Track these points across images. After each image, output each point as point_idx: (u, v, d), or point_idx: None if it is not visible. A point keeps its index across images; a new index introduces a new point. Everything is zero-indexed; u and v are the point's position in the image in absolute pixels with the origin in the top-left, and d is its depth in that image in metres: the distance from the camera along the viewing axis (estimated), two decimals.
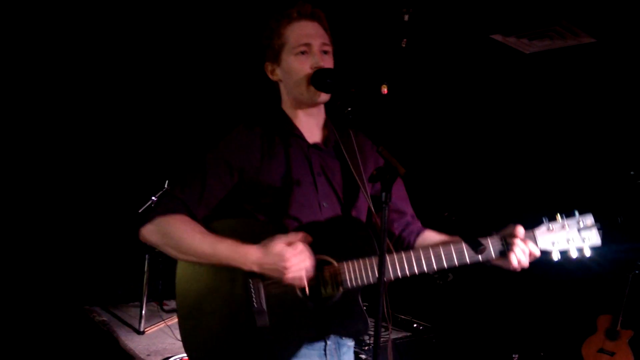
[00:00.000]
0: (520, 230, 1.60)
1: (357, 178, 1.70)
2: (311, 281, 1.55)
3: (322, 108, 1.76)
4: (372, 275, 1.57)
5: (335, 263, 1.58)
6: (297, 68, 1.64)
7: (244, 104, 3.96)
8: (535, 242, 1.60)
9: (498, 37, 3.79)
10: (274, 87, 1.79)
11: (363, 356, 3.37)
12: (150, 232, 1.62)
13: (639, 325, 3.65)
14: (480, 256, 1.57)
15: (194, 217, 1.61)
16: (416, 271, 1.57)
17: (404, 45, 3.71)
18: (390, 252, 1.59)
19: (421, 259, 1.57)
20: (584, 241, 1.60)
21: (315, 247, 1.57)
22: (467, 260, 1.58)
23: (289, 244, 1.52)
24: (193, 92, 4.33)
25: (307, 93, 1.64)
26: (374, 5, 3.06)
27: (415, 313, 4.36)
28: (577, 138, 4.14)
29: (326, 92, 1.59)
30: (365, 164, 1.77)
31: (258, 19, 1.90)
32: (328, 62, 1.65)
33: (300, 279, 1.51)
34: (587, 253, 1.60)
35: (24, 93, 3.71)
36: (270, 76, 1.75)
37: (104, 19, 3.67)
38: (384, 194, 1.24)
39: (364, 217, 1.77)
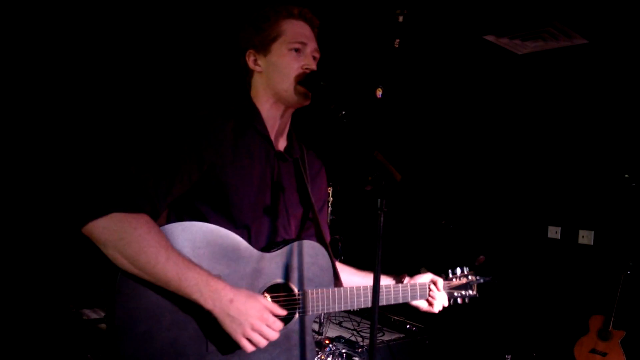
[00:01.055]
0: (440, 282, 1.93)
1: (312, 198, 1.67)
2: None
3: (291, 113, 1.69)
4: (331, 305, 1.60)
5: (295, 290, 1.55)
6: (288, 63, 1.57)
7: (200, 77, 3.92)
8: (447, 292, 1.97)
9: (491, 38, 3.78)
10: (244, 76, 1.69)
11: (356, 358, 3.37)
12: (102, 230, 1.31)
13: (631, 326, 3.66)
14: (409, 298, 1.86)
15: (156, 215, 1.40)
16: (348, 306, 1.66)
17: (396, 46, 3.70)
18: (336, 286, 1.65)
19: (353, 296, 1.67)
20: (468, 294, 2.05)
21: (271, 268, 1.50)
22: (400, 301, 1.82)
23: (272, 311, 1.42)
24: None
25: (291, 91, 1.57)
26: (368, 6, 3.04)
27: (407, 314, 4.35)
28: (571, 140, 4.15)
29: (317, 94, 1.54)
30: (313, 183, 1.75)
31: None
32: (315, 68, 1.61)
33: (252, 345, 1.39)
34: (466, 301, 2.06)
35: (12, 92, 3.65)
36: (250, 65, 1.63)
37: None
38: (379, 200, 1.21)
39: (313, 239, 1.71)
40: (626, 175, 3.02)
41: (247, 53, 1.64)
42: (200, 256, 1.41)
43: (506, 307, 4.32)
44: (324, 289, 1.59)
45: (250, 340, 1.38)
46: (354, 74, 3.10)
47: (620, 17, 3.32)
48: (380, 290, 1.66)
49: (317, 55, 1.64)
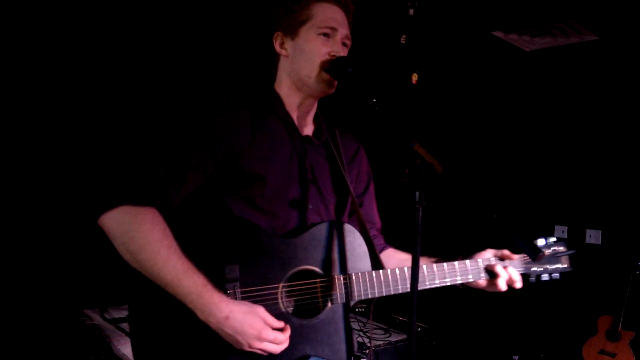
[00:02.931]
0: (509, 254, 1.66)
1: (347, 181, 1.58)
2: (297, 294, 1.41)
3: (315, 102, 1.63)
4: (369, 290, 1.47)
5: (324, 275, 1.45)
6: (315, 48, 1.50)
7: (227, 74, 3.77)
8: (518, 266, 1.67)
9: (499, 34, 3.72)
10: (271, 61, 1.62)
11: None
12: (112, 222, 1.31)
13: None
14: (469, 277, 1.60)
15: (168, 208, 1.37)
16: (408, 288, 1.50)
17: (403, 42, 3.63)
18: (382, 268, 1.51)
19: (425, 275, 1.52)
20: (556, 266, 1.73)
21: (300, 255, 1.42)
22: (458, 280, 1.59)
23: (273, 327, 1.34)
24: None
25: (316, 78, 1.51)
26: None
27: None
28: (578, 138, 4.10)
29: (345, 82, 1.46)
30: (350, 166, 1.67)
31: None
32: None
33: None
34: (557, 276, 1.75)
35: (23, 85, 3.55)
36: (277, 48, 1.58)
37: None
38: (417, 193, 1.13)
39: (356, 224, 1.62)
40: None
41: (275, 35, 1.58)
42: (214, 249, 1.36)
43: (513, 307, 4.26)
44: (359, 273, 1.48)
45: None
46: (384, 60, 3.01)
47: (631, 12, 3.27)
48: (423, 270, 1.52)
49: (349, 42, 1.57)
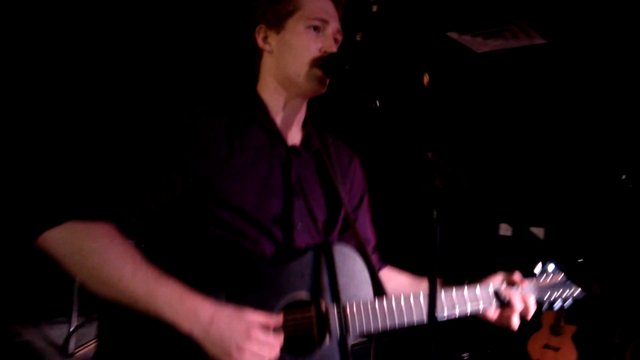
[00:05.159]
0: (520, 278, 1.50)
1: (341, 195, 1.43)
2: (290, 328, 1.25)
3: (305, 103, 1.46)
4: (371, 322, 1.31)
5: (322, 304, 1.30)
6: (304, 43, 1.34)
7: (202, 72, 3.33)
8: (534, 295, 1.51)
9: (454, 35, 3.73)
10: (253, 58, 1.44)
11: None
12: (57, 241, 1.15)
13: (582, 320, 3.77)
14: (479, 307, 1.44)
15: (124, 226, 1.21)
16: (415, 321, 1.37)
17: (358, 39, 3.55)
18: (383, 295, 1.36)
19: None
20: (570, 292, 1.57)
21: (294, 282, 1.27)
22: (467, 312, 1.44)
23: (263, 325, 1.17)
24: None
25: (306, 76, 1.34)
26: None
27: None
28: (524, 136, 4.22)
29: (343, 81, 1.31)
30: (344, 178, 1.51)
31: None
32: None
33: None
34: (570, 303, 1.59)
35: None
36: (259, 42, 1.40)
37: None
38: (434, 211, 1.00)
39: (352, 241, 1.47)
40: (623, 177, 3.06)
41: (257, 28, 1.40)
42: (196, 277, 1.18)
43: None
44: (359, 301, 1.32)
45: None
46: (387, 58, 2.84)
47: (579, 18, 3.38)
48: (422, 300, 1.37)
49: (340, 37, 1.41)
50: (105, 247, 1.14)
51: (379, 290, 1.38)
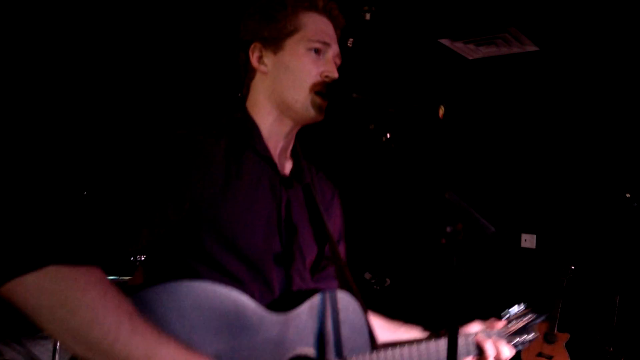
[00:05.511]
0: (498, 325, 1.48)
1: (329, 231, 1.33)
2: None
3: (300, 127, 1.35)
4: None
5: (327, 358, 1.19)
6: (305, 67, 1.24)
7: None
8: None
9: (446, 42, 3.69)
10: (244, 79, 1.34)
11: None
12: (33, 290, 0.92)
13: (575, 329, 3.77)
14: None
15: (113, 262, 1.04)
16: None
17: (350, 45, 3.49)
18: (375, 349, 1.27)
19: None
20: (527, 336, 1.58)
21: (294, 335, 1.15)
22: None
23: None
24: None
25: (304, 102, 1.24)
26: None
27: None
28: (516, 143, 4.19)
29: (347, 110, 1.21)
30: (328, 216, 1.41)
31: None
32: None
33: None
34: (521, 348, 1.58)
35: None
36: (253, 62, 1.28)
37: None
38: (455, 259, 0.92)
39: (334, 283, 1.38)
40: (627, 195, 3.03)
41: (252, 46, 1.29)
42: (191, 330, 1.04)
43: (452, 311, 4.29)
44: (365, 356, 1.24)
45: None
46: (398, 86, 2.75)
47: (571, 26, 3.36)
48: (399, 351, 1.28)
49: (339, 61, 1.32)
50: (97, 301, 0.95)
51: (372, 338, 1.30)
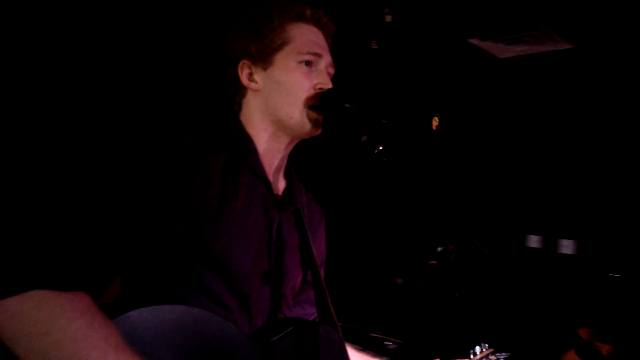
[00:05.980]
0: None
1: (316, 262, 1.30)
2: None
3: (296, 143, 1.31)
4: None
5: None
6: (297, 81, 1.22)
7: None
8: None
9: (475, 42, 3.58)
10: (234, 96, 1.31)
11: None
12: (12, 317, 0.86)
13: (618, 340, 3.57)
14: None
15: (97, 294, 0.99)
16: None
17: (374, 47, 3.43)
18: None
19: None
20: None
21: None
22: None
23: None
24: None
25: (300, 118, 1.22)
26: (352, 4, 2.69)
27: (387, 329, 4.11)
28: (554, 144, 4.02)
29: (339, 121, 1.18)
30: (314, 240, 1.38)
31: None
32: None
33: None
34: None
35: None
36: (243, 81, 1.27)
37: None
38: (446, 279, 0.88)
39: (311, 309, 1.35)
40: None
41: (240, 64, 1.27)
42: (174, 355, 1.02)
43: (490, 321, 4.16)
44: None
45: None
46: (391, 96, 2.68)
47: (607, 21, 3.20)
48: None
49: (332, 71, 1.29)
50: (83, 331, 0.88)
51: None
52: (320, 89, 1.23)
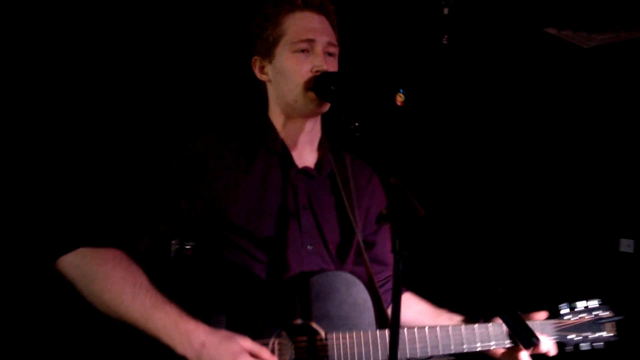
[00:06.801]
0: (539, 318, 1.44)
1: (351, 218, 1.42)
2: (289, 352, 1.27)
3: (318, 122, 1.48)
4: (371, 353, 1.28)
5: (322, 333, 1.30)
6: (294, 68, 1.36)
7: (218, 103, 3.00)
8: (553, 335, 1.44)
9: (552, 31, 3.42)
10: (261, 88, 1.50)
11: None
12: (70, 267, 1.28)
13: None
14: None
15: (133, 251, 1.31)
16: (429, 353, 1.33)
17: (445, 42, 3.40)
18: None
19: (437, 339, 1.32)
20: (599, 334, 1.47)
21: (296, 307, 1.29)
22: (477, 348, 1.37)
23: (251, 351, 1.20)
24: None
25: (303, 100, 1.37)
26: None
27: None
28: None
29: (329, 101, 1.33)
30: (360, 199, 1.50)
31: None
32: (332, 66, 1.38)
33: None
34: (600, 346, 1.48)
35: None
36: (257, 74, 1.47)
37: None
38: (396, 240, 0.96)
39: (351, 267, 1.48)
40: None
41: (253, 60, 1.47)
42: (201, 298, 1.29)
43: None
44: (354, 332, 1.31)
45: None
46: (368, 76, 2.65)
47: None
48: (436, 333, 1.33)
49: (333, 49, 1.41)
50: (108, 272, 1.25)
51: (384, 322, 1.35)
52: (316, 70, 1.36)
